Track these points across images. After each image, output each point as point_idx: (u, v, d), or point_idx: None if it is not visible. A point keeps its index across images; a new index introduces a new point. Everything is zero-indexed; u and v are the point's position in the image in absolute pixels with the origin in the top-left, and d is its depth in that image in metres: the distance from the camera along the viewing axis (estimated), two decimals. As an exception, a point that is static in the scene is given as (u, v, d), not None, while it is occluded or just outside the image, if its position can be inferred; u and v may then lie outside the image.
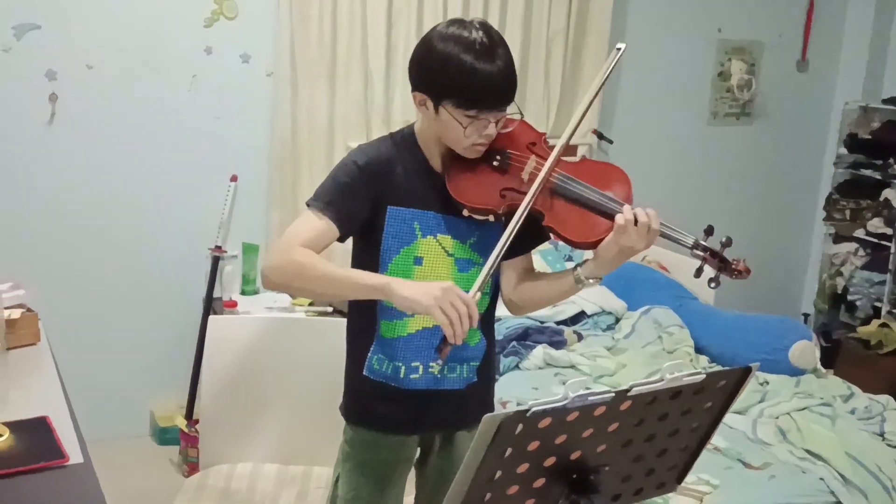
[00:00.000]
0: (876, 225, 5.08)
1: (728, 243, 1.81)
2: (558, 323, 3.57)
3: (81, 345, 3.64)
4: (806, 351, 3.26)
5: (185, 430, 3.55)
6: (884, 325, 4.83)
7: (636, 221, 1.75)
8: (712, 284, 1.82)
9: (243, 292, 3.91)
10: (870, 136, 5.13)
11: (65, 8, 3.43)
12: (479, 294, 1.76)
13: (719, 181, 5.12)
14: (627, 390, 1.48)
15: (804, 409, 2.91)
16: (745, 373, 1.69)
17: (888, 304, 5.00)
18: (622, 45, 1.96)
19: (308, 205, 1.85)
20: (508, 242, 1.80)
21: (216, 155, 3.80)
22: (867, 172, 5.13)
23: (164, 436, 3.80)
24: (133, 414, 3.88)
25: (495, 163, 1.87)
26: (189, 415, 3.69)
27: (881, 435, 2.87)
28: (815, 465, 2.64)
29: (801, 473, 2.61)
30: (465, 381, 1.98)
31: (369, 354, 1.96)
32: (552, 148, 1.88)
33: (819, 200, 5.43)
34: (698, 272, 1.83)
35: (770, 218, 5.35)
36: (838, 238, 5.34)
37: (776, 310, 5.27)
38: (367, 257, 1.91)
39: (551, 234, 1.89)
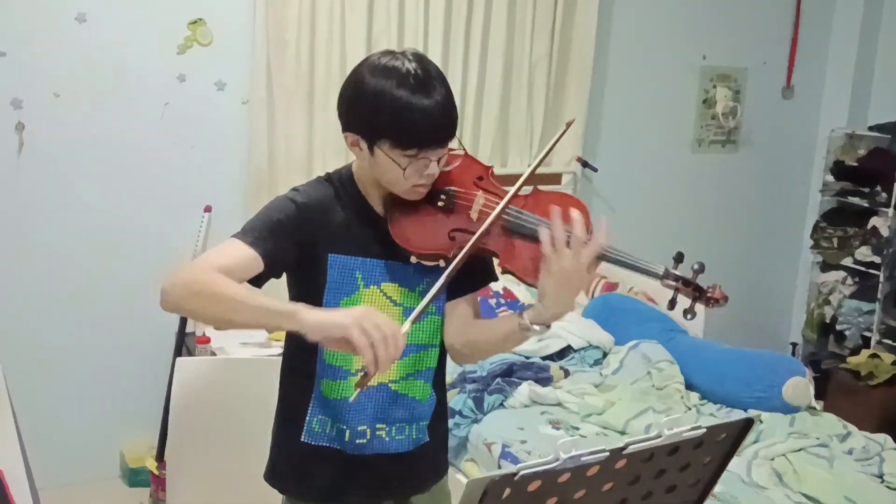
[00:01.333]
0: (864, 253, 5.01)
1: (701, 269, 1.63)
2: (544, 358, 3.45)
3: (48, 384, 3.51)
4: (799, 387, 3.16)
5: (156, 472, 3.40)
6: (874, 355, 4.74)
7: (567, 239, 1.56)
8: (688, 316, 1.63)
9: (217, 327, 3.77)
10: (856, 164, 5.08)
11: (30, 34, 3.31)
12: (409, 327, 1.58)
13: (704, 209, 5.05)
14: (623, 448, 1.38)
15: (800, 449, 2.80)
16: (747, 425, 1.59)
17: (878, 333, 4.93)
18: (573, 120, 1.88)
19: (235, 237, 1.66)
20: (447, 280, 1.62)
21: (189, 185, 3.68)
22: (854, 200, 5.08)
23: (135, 477, 3.65)
24: (102, 455, 3.72)
25: (440, 203, 1.71)
26: (160, 456, 3.53)
27: (880, 476, 2.76)
28: (814, 510, 2.54)
29: (799, 519, 2.50)
30: (415, 441, 1.82)
31: (308, 417, 1.78)
32: (500, 182, 1.75)
33: (806, 228, 5.37)
34: (671, 304, 1.66)
35: (756, 246, 5.28)
36: (826, 266, 5.28)
37: (763, 339, 5.21)
38: None
39: (509, 274, 1.70)
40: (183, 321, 3.64)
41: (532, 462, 1.28)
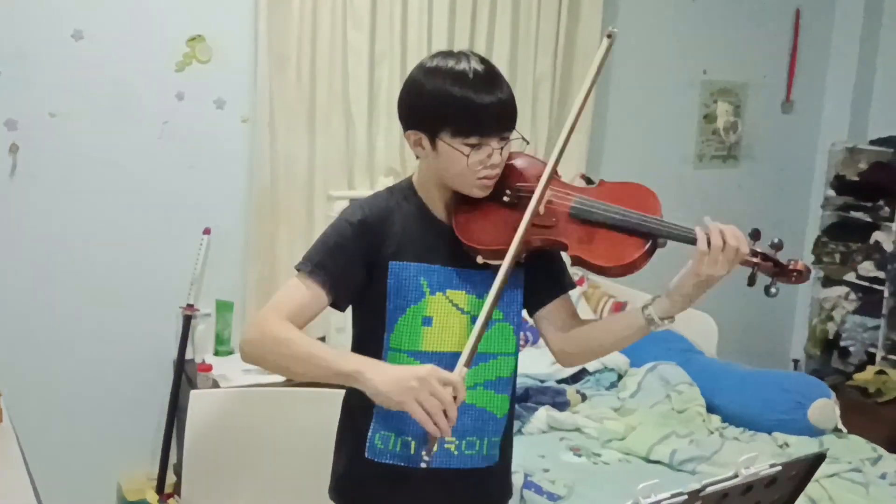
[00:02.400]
0: (867, 268, 4.96)
1: (779, 246, 1.63)
2: (559, 382, 3.36)
3: (43, 413, 3.35)
4: (826, 409, 3.08)
5: (157, 505, 3.27)
6: (880, 371, 4.70)
7: (723, 245, 1.57)
8: (773, 290, 1.61)
9: (217, 353, 3.65)
10: (857, 178, 5.04)
11: (25, 52, 3.18)
12: (465, 370, 1.54)
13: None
14: (701, 489, 1.31)
15: (833, 475, 2.71)
16: (819, 460, 1.52)
17: (883, 349, 4.88)
18: (615, 30, 1.73)
19: (297, 269, 1.67)
20: (505, 277, 1.59)
21: (188, 206, 3.55)
22: (857, 215, 5.03)
23: (133, 511, 3.50)
24: (98, 486, 3.57)
25: (505, 198, 1.69)
26: (160, 488, 3.41)
27: (915, 502, 2.69)
28: (854, 538, 2.45)
29: (838, 548, 2.42)
30: (485, 459, 1.76)
31: (370, 434, 1.73)
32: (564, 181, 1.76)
33: (807, 243, 5.31)
34: (751, 279, 1.63)
35: (758, 262, 5.22)
36: (828, 282, 5.23)
37: (765, 356, 5.14)
38: (369, 323, 1.72)
39: (580, 265, 1.68)
40: (182, 347, 3.52)
41: (612, 509, 1.20)
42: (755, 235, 1.64)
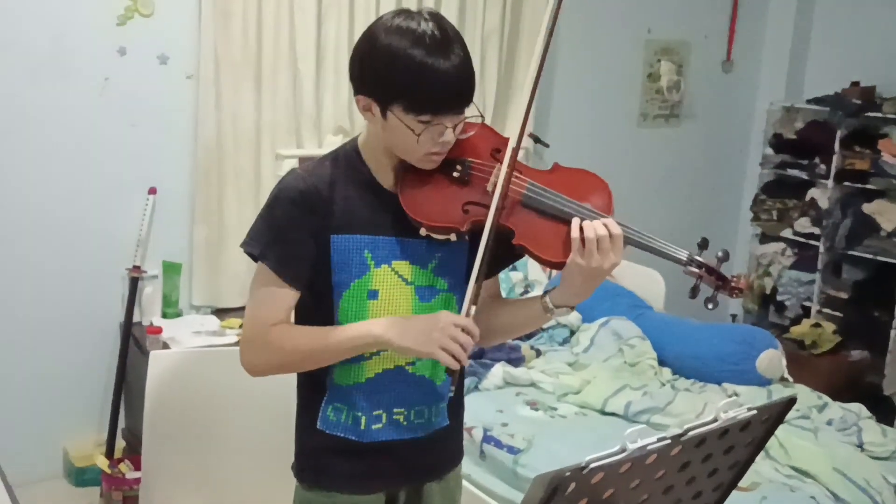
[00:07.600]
0: (803, 224, 5.10)
1: (725, 257, 1.60)
2: (513, 338, 3.38)
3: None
4: (774, 360, 3.17)
5: (108, 470, 3.20)
6: (816, 324, 4.85)
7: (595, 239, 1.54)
8: (710, 306, 1.61)
9: (165, 315, 3.58)
10: (795, 137, 5.15)
11: (-43, 3, 3.05)
12: (473, 308, 1.58)
13: (648, 183, 5.04)
14: (683, 434, 1.33)
15: (783, 422, 2.79)
16: (790, 404, 1.57)
17: (817, 303, 5.03)
18: None
19: (252, 254, 1.63)
20: (485, 260, 1.56)
21: (132, 166, 3.46)
22: (793, 172, 5.15)
23: (82, 477, 3.43)
24: (43, 453, 3.47)
25: (455, 174, 1.61)
26: (109, 453, 3.35)
27: (860, 446, 2.78)
28: (804, 482, 2.53)
29: (790, 492, 2.49)
30: (434, 425, 1.74)
31: (323, 405, 1.70)
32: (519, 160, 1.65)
33: (746, 201, 5.43)
34: (694, 292, 1.61)
35: (697, 219, 5.30)
36: (765, 238, 5.36)
37: (704, 311, 5.24)
38: (315, 298, 1.65)
39: (524, 254, 1.63)
40: (129, 310, 3.45)
41: (600, 454, 1.22)
42: (703, 245, 1.62)
